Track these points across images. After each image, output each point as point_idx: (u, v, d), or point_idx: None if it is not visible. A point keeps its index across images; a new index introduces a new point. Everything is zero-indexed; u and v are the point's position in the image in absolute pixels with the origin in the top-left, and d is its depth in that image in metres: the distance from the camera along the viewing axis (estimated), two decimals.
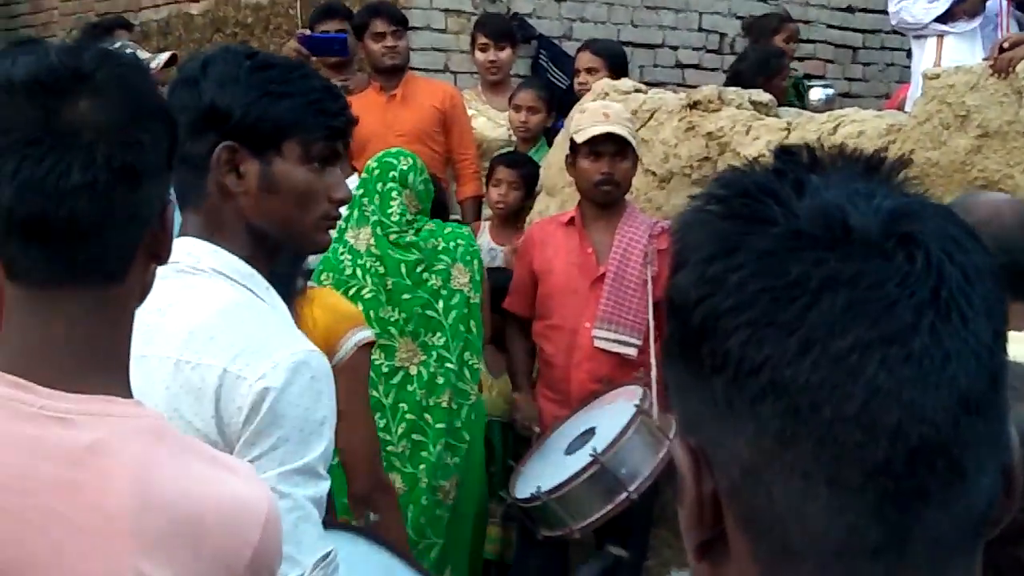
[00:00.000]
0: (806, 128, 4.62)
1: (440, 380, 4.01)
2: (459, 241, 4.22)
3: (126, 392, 1.40)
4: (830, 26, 8.83)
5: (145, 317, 1.89)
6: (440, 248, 4.16)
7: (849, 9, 8.95)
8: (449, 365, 4.00)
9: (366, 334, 3.23)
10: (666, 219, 4.56)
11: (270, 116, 2.02)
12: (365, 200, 4.13)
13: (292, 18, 7.13)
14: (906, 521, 0.77)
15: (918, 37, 5.89)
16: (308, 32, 6.06)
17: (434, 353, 4.04)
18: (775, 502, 0.78)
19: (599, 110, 4.58)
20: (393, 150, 4.34)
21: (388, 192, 4.13)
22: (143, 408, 1.41)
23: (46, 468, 1.33)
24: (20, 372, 1.35)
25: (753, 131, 4.73)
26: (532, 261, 4.59)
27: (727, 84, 5.80)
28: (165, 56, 5.52)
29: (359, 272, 4.07)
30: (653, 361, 4.17)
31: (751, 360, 0.77)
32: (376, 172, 4.19)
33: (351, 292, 4.00)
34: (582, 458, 3.97)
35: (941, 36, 5.72)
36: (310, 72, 2.17)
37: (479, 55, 6.33)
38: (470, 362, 4.15)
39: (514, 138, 6.01)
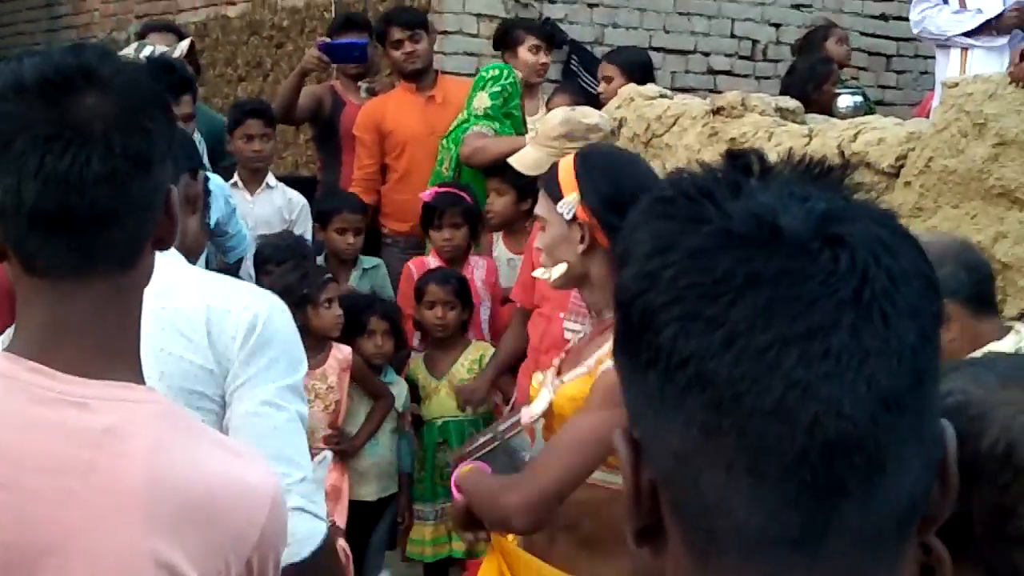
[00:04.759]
0: (827, 135, 4.66)
1: None
2: None
3: (139, 378, 1.44)
4: (864, 34, 8.80)
5: None
6: None
7: (883, 17, 8.93)
8: None
9: None
10: None
11: None
12: None
13: (327, 21, 7.19)
14: (824, 513, 0.79)
15: (942, 46, 5.84)
16: (328, 40, 6.10)
17: None
18: (702, 492, 0.80)
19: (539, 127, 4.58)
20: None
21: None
22: (156, 394, 1.45)
23: (64, 450, 1.37)
24: (40, 358, 1.39)
25: (775, 137, 4.77)
26: (533, 252, 4.68)
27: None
28: (186, 44, 5.58)
29: None
30: None
31: (680, 353, 0.79)
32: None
33: None
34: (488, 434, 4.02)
35: (966, 48, 5.68)
36: None
37: (530, 57, 6.34)
38: None
39: None
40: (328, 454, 2.04)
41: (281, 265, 4.74)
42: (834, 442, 0.77)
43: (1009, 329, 2.78)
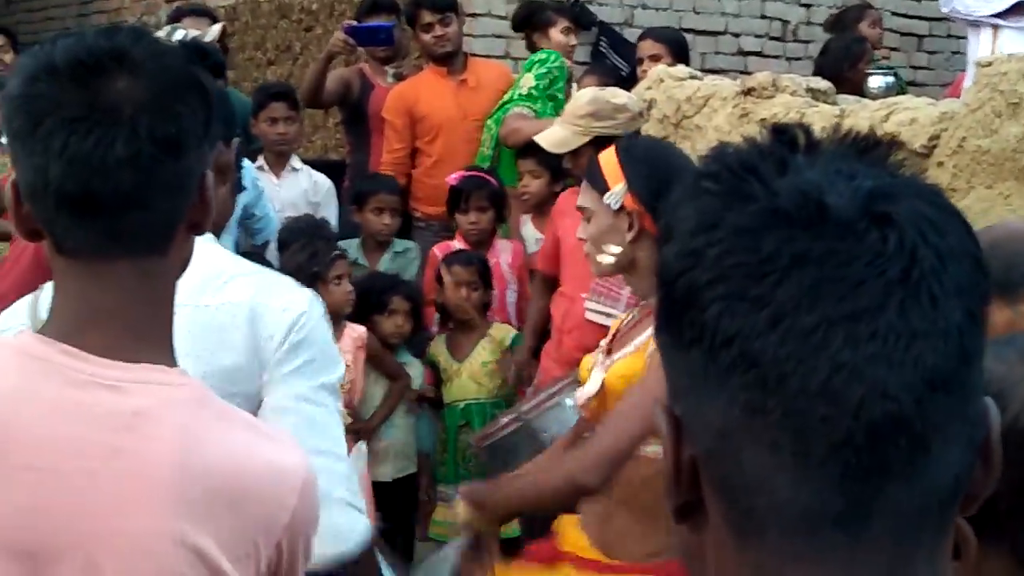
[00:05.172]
0: (859, 116, 4.61)
1: None
2: None
3: (171, 361, 1.44)
4: (895, 13, 8.74)
5: None
6: None
7: None
8: None
9: None
10: None
11: None
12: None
13: (356, 5, 7.19)
14: (868, 494, 0.79)
15: (973, 25, 5.79)
16: (355, 23, 6.09)
17: None
18: (744, 470, 0.80)
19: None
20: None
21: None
22: (187, 377, 1.45)
23: (94, 433, 1.37)
24: (72, 341, 1.39)
25: (807, 118, 4.72)
26: (556, 229, 4.69)
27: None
28: (218, 28, 5.64)
29: None
30: None
31: (724, 332, 0.79)
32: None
33: None
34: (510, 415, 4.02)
35: (996, 27, 5.62)
36: None
37: (563, 38, 6.33)
38: None
39: None
40: (363, 447, 2.04)
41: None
42: (879, 424, 0.77)
43: None
